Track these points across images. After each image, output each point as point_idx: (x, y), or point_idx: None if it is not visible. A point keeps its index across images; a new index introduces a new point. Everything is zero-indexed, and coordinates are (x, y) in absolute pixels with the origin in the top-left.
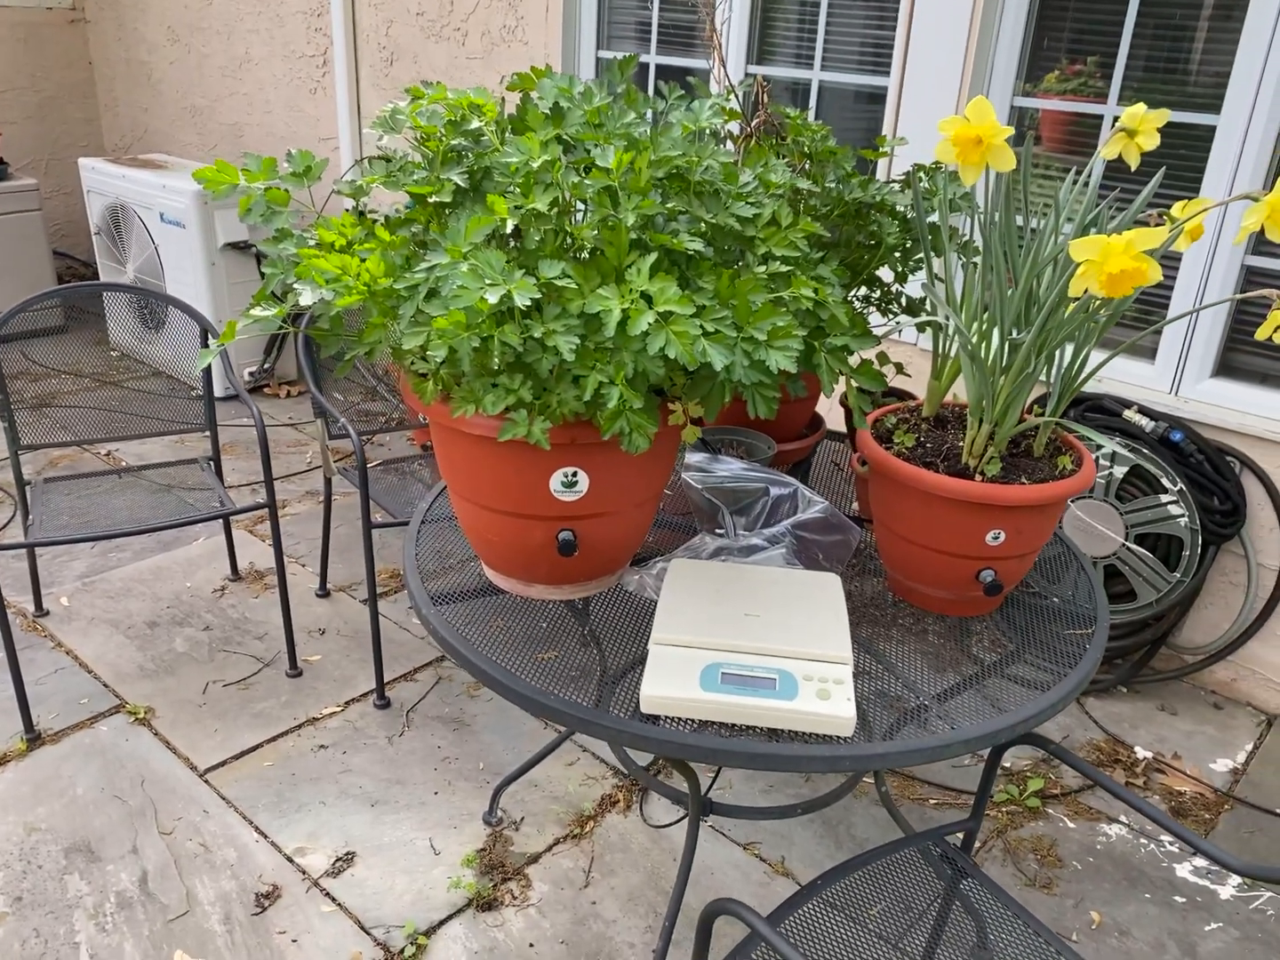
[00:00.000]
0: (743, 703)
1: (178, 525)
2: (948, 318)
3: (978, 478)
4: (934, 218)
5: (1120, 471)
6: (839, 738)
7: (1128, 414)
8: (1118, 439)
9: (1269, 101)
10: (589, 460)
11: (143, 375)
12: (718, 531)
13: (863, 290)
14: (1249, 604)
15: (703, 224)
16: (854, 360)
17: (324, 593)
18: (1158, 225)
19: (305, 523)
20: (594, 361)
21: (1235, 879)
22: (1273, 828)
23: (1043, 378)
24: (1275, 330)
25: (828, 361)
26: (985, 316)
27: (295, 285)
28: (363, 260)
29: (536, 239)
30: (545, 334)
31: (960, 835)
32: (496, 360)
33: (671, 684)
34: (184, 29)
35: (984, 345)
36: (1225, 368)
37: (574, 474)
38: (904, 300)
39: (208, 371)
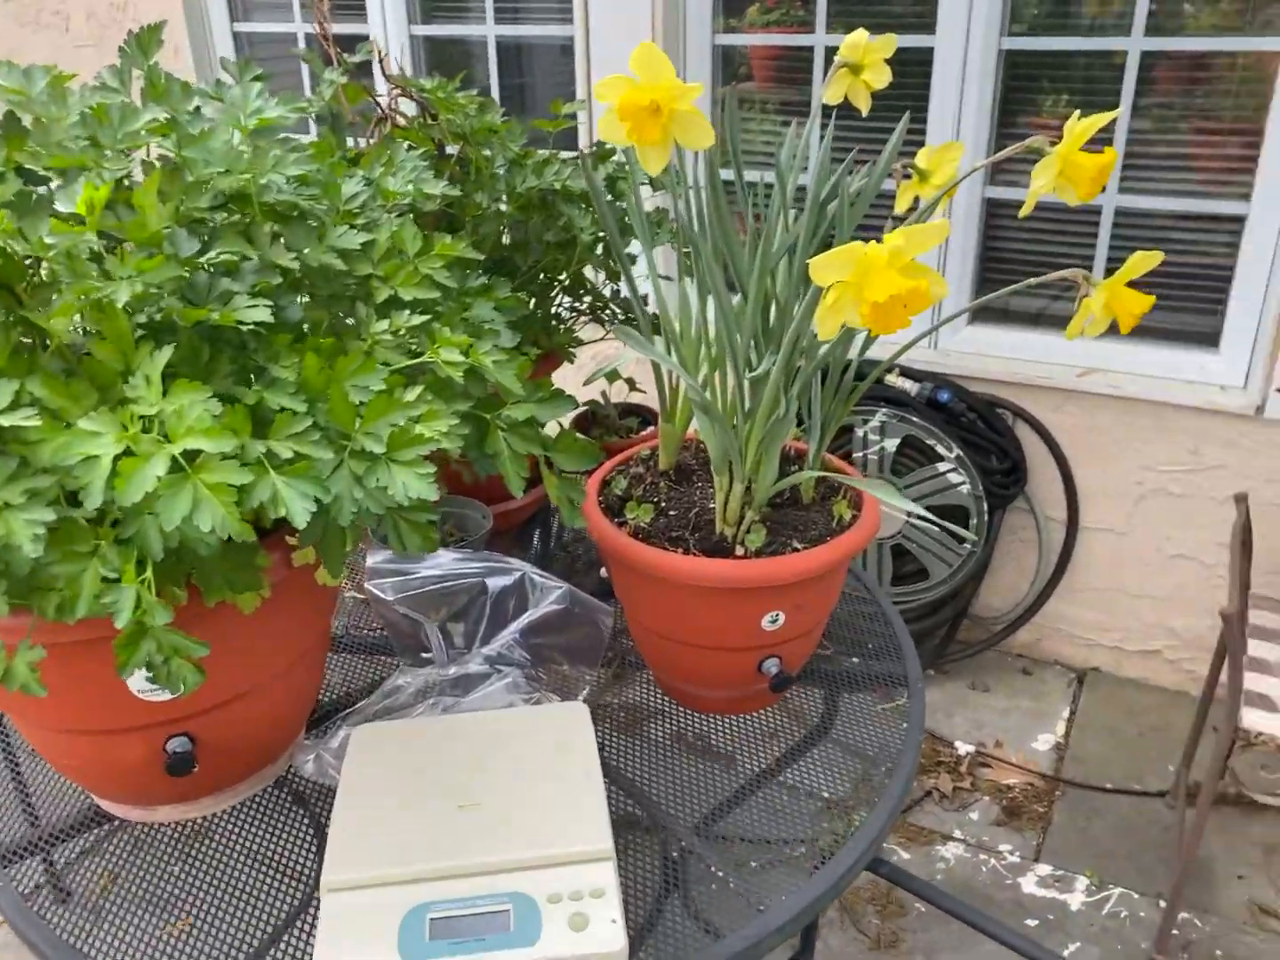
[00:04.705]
0: None
1: None
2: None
3: (739, 550)
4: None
5: (892, 444)
6: None
7: (890, 379)
8: (884, 409)
9: (985, 7)
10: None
11: None
12: (424, 656)
13: (567, 300)
14: (1043, 562)
15: (283, 271)
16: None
17: None
18: (904, 180)
19: None
20: (92, 543)
21: (1082, 882)
22: (1107, 807)
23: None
24: (1086, 325)
25: (510, 446)
26: (713, 341)
27: None
28: None
29: None
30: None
31: None
32: None
33: (355, 958)
34: None
35: (718, 380)
36: (982, 310)
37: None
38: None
39: None
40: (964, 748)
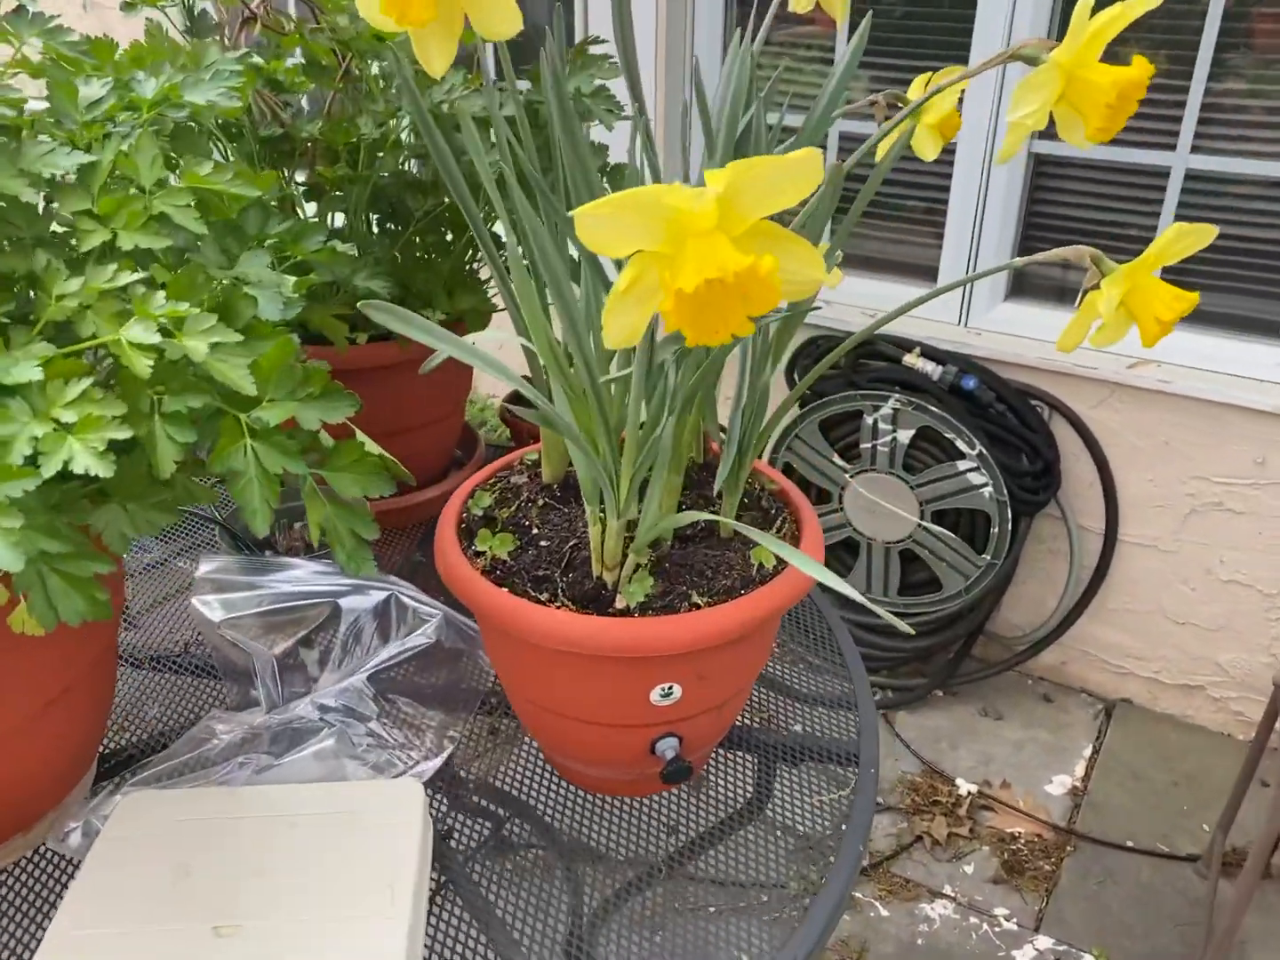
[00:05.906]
0: None
1: None
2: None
3: (620, 601)
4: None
5: (906, 436)
6: None
7: (908, 359)
8: (899, 394)
9: None
10: None
11: None
12: (253, 694)
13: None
14: (1074, 577)
15: None
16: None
17: None
18: (888, 116)
19: None
20: None
21: (1089, 958)
22: (1125, 869)
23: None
24: (1097, 331)
25: (257, 456)
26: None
27: None
28: None
29: None
30: None
31: None
32: None
33: None
34: None
35: (581, 389)
36: (1022, 284)
37: None
38: None
39: None
40: (966, 786)
